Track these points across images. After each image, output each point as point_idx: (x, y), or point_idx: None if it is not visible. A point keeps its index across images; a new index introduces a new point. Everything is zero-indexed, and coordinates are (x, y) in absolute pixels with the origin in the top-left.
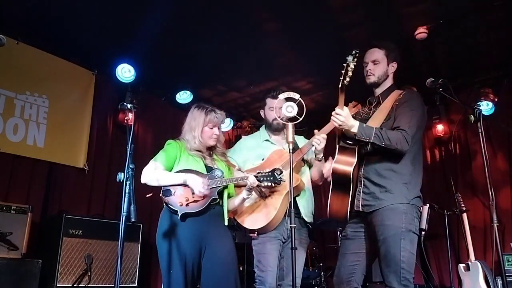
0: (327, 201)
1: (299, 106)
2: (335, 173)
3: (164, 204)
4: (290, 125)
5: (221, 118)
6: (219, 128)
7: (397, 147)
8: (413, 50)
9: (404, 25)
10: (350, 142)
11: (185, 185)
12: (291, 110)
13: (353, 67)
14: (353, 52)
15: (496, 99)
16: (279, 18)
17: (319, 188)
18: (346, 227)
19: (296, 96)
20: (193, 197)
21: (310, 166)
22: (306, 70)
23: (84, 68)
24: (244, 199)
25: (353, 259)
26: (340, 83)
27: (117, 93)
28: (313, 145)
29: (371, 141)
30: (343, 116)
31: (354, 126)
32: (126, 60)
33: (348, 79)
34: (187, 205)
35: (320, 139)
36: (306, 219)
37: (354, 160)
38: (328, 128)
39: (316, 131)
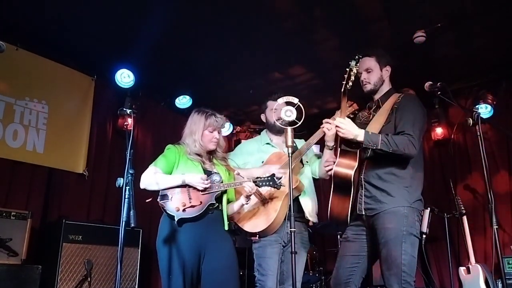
0: (328, 204)
1: (298, 110)
2: (336, 176)
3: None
4: (289, 129)
5: (221, 122)
6: (219, 132)
7: (405, 152)
8: (411, 53)
9: (402, 29)
10: (352, 145)
11: (184, 186)
12: (290, 114)
13: (355, 71)
14: (356, 57)
15: (494, 102)
16: (278, 23)
17: (319, 191)
18: (346, 229)
19: (295, 100)
20: (190, 202)
21: (310, 165)
22: (305, 74)
23: (83, 74)
24: (243, 204)
25: (353, 261)
26: (343, 87)
27: (117, 98)
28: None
29: (379, 147)
30: (345, 125)
31: (359, 135)
32: (125, 66)
33: (350, 83)
34: (184, 210)
35: (329, 127)
36: (311, 219)
37: (355, 163)
38: (317, 135)
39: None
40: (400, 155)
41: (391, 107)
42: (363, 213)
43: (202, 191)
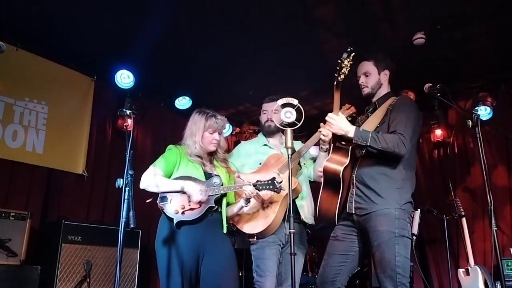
0: None
1: (298, 111)
2: (326, 171)
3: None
4: (289, 130)
5: (221, 123)
6: (219, 134)
7: (394, 150)
8: (411, 55)
9: (402, 31)
10: (344, 143)
11: (183, 192)
12: (289, 115)
13: (347, 64)
14: (348, 49)
15: (494, 104)
16: (277, 24)
17: (317, 193)
18: (335, 228)
19: (295, 101)
20: (189, 205)
21: (307, 168)
22: (305, 76)
23: (83, 74)
24: (242, 207)
25: (340, 260)
26: (335, 80)
27: (116, 99)
28: (320, 138)
29: (368, 144)
30: (336, 121)
31: (350, 131)
32: (125, 66)
33: (342, 76)
34: (183, 213)
35: (326, 133)
36: (307, 221)
37: (346, 160)
38: (316, 137)
39: (322, 124)
40: (389, 154)
41: (386, 108)
42: (353, 212)
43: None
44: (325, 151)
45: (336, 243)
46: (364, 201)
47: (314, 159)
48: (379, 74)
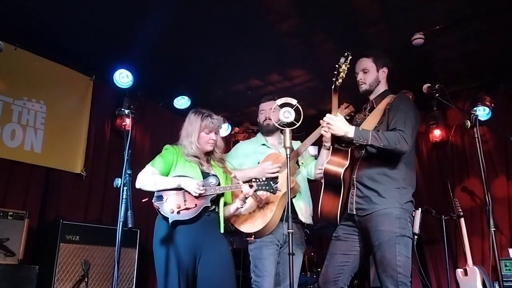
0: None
1: (297, 111)
2: (326, 174)
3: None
4: (287, 130)
5: (217, 123)
6: (216, 133)
7: (396, 147)
8: (410, 55)
9: (401, 31)
10: (343, 145)
11: (179, 189)
12: (288, 115)
13: (345, 68)
14: (345, 54)
15: (492, 104)
16: (277, 23)
17: (317, 192)
18: (337, 228)
19: (293, 101)
20: (185, 205)
21: (306, 166)
22: (304, 75)
23: (81, 74)
24: (238, 208)
25: (342, 260)
26: (333, 84)
27: (115, 99)
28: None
29: (369, 143)
30: (335, 121)
31: (349, 131)
32: (124, 66)
33: (340, 80)
34: (178, 212)
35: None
36: (305, 220)
37: (346, 162)
38: (314, 136)
39: (321, 121)
40: (392, 151)
41: (384, 108)
42: (354, 213)
43: (196, 197)
44: (328, 149)
45: (338, 243)
46: (365, 202)
47: (314, 157)
48: (377, 71)
